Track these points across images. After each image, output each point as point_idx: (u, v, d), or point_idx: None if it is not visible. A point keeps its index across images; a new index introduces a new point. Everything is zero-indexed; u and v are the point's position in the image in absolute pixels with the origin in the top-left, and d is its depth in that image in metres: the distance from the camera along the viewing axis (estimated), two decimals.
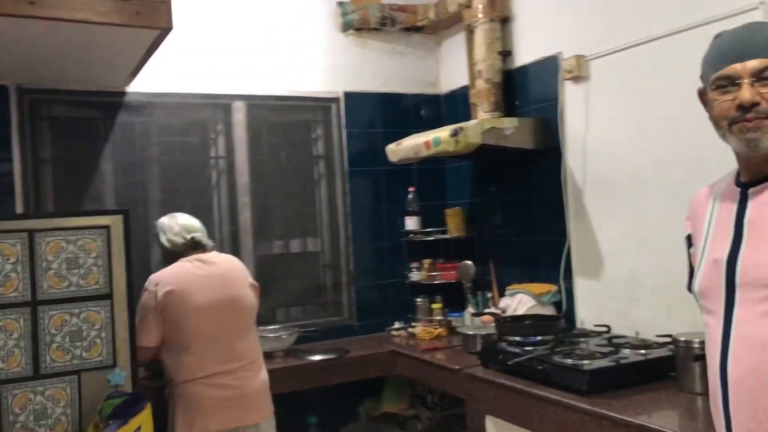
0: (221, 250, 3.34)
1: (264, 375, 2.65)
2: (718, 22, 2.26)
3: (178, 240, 2.64)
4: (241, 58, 3.38)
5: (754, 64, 1.25)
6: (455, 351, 3.03)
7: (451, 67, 3.79)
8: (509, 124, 2.97)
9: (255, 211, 3.43)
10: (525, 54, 3.20)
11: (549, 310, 2.99)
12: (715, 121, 1.32)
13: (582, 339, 2.62)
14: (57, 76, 2.91)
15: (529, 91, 3.18)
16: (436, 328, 3.42)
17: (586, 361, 2.25)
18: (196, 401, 2.45)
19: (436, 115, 3.85)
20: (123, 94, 3.15)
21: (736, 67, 1.27)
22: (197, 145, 3.39)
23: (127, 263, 2.18)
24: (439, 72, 3.89)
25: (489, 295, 3.42)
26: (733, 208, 1.34)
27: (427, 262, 3.63)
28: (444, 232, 3.60)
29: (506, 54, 3.26)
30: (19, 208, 2.90)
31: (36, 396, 2.03)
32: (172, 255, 2.66)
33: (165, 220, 2.71)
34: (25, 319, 2.03)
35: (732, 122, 1.28)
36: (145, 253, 3.18)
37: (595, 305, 2.88)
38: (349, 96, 3.63)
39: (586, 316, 2.91)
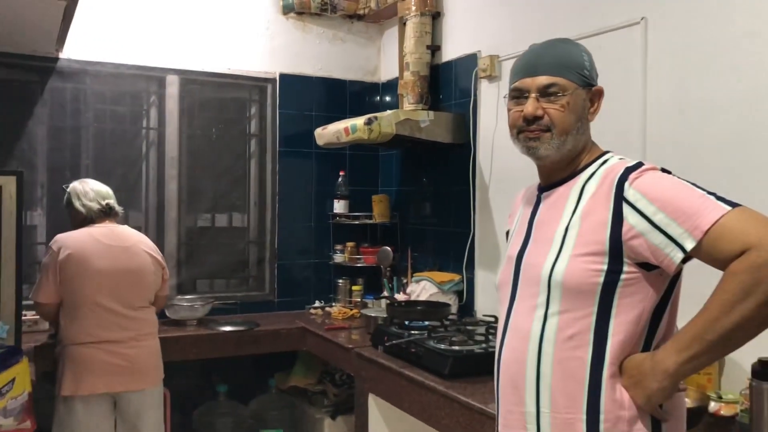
0: (146, 219, 3.46)
1: (155, 345, 2.74)
2: (605, 33, 2.37)
3: (94, 206, 2.72)
4: (177, 33, 3.45)
5: (541, 80, 1.36)
6: (360, 332, 3.14)
7: (390, 57, 3.87)
8: (425, 116, 3.06)
9: (182, 184, 3.52)
10: (451, 50, 3.29)
11: (450, 299, 3.10)
12: (509, 127, 1.43)
13: (470, 327, 2.73)
14: None
15: (451, 86, 3.28)
16: (351, 309, 3.54)
17: (455, 347, 2.37)
18: (85, 363, 2.54)
19: (374, 103, 3.94)
20: (56, 59, 3.22)
21: (527, 81, 1.38)
22: (129, 115, 3.46)
23: (18, 223, 2.26)
24: (379, 61, 3.97)
25: (405, 280, 3.54)
26: (530, 209, 1.46)
27: (350, 245, 3.74)
28: (370, 217, 3.71)
29: (434, 48, 3.35)
30: None
31: None
32: (85, 220, 2.72)
33: (78, 185, 2.78)
34: None
35: (519, 131, 1.39)
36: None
37: (492, 296, 2.99)
38: (286, 77, 3.71)
39: (483, 306, 3.03)
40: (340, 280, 3.72)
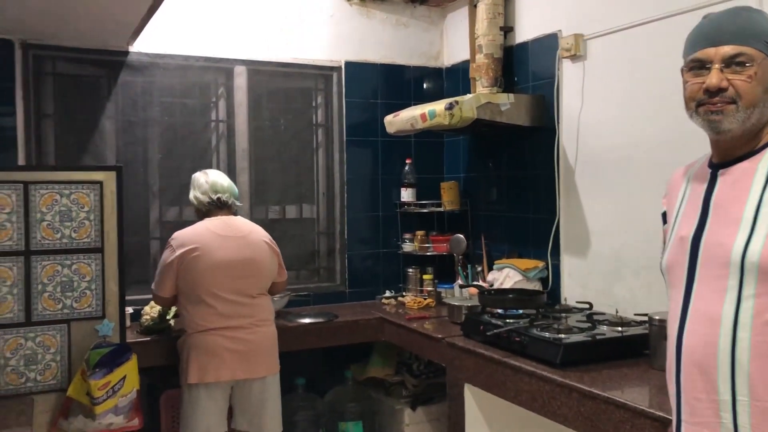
0: None
1: (273, 332, 2.78)
2: (714, 5, 2.28)
3: (204, 199, 2.75)
4: (244, 23, 3.41)
5: (726, 49, 1.28)
6: (441, 321, 3.10)
7: (454, 41, 3.80)
8: (506, 99, 2.99)
9: (252, 176, 3.48)
10: (526, 31, 3.21)
11: (535, 286, 3.04)
12: (685, 101, 1.36)
13: (563, 314, 2.67)
14: (62, 33, 2.95)
15: (528, 68, 3.20)
16: (425, 299, 3.49)
17: (562, 335, 2.31)
18: (210, 350, 2.58)
19: (438, 88, 3.87)
20: (126, 53, 3.19)
21: (709, 52, 1.30)
22: (198, 107, 3.43)
23: (119, 219, 2.23)
24: (442, 45, 3.90)
25: (479, 268, 3.48)
26: (703, 188, 1.38)
27: (420, 233, 3.68)
28: (439, 205, 3.65)
29: (507, 30, 3.27)
30: (21, 161, 2.95)
31: (27, 342, 2.12)
32: (199, 212, 2.79)
33: (198, 176, 2.81)
34: (18, 268, 2.11)
35: (699, 104, 1.32)
36: (143, 210, 3.27)
37: (579, 282, 2.93)
38: (351, 65, 3.65)
39: (571, 293, 2.96)
40: (410, 269, 3.67)
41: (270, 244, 2.79)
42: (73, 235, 2.17)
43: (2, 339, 2.10)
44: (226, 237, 2.66)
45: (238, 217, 2.82)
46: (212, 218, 2.72)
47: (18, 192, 2.11)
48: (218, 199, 2.73)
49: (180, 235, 2.65)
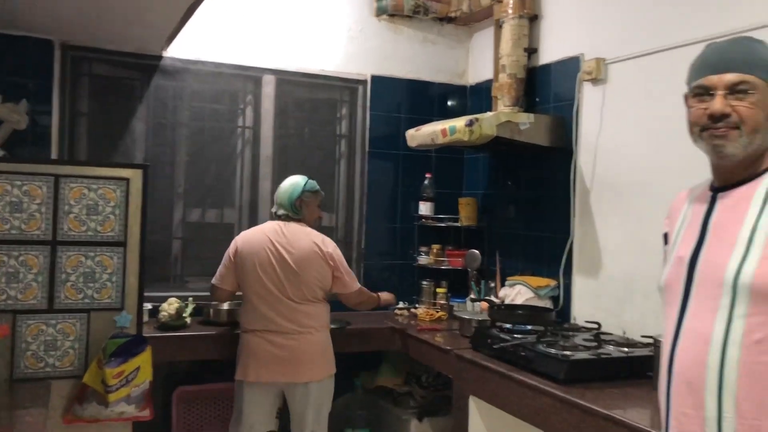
0: (240, 216, 3.52)
1: (319, 339, 2.84)
2: (737, 34, 2.30)
3: (273, 208, 2.97)
4: (274, 34, 3.51)
5: (729, 77, 1.33)
6: (452, 334, 3.13)
7: (479, 60, 3.87)
8: (525, 119, 3.04)
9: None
10: (549, 53, 3.26)
11: (546, 304, 3.07)
12: (689, 126, 1.41)
13: (571, 333, 2.69)
14: (100, 36, 3.07)
15: (549, 89, 3.25)
16: (437, 311, 3.53)
17: (567, 352, 2.33)
18: (252, 350, 2.72)
19: (461, 106, 3.93)
20: (159, 58, 3.30)
21: (713, 79, 1.35)
22: (226, 113, 3.53)
23: (143, 216, 2.31)
24: (467, 63, 3.97)
25: (492, 284, 3.51)
26: (703, 210, 1.42)
27: (436, 247, 3.73)
28: (456, 220, 3.69)
29: (531, 51, 3.32)
30: (54, 157, 3.07)
31: (48, 328, 2.21)
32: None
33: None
34: (45, 257, 2.21)
35: (702, 129, 1.36)
36: (167, 210, 3.36)
37: (590, 303, 2.95)
38: (377, 79, 3.74)
39: (580, 312, 2.99)
40: (425, 282, 3.71)
41: (320, 253, 2.81)
42: (99, 228, 2.26)
43: (25, 324, 2.20)
44: (273, 241, 2.78)
45: (294, 224, 2.87)
46: (272, 221, 2.89)
47: (49, 184, 2.21)
48: (275, 212, 2.92)
49: (240, 235, 2.89)
